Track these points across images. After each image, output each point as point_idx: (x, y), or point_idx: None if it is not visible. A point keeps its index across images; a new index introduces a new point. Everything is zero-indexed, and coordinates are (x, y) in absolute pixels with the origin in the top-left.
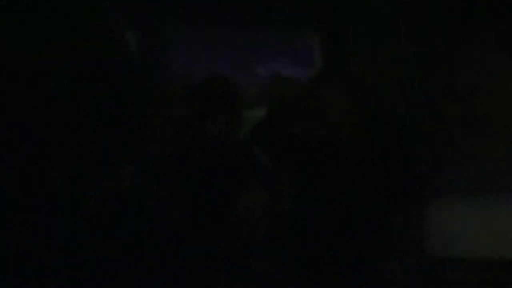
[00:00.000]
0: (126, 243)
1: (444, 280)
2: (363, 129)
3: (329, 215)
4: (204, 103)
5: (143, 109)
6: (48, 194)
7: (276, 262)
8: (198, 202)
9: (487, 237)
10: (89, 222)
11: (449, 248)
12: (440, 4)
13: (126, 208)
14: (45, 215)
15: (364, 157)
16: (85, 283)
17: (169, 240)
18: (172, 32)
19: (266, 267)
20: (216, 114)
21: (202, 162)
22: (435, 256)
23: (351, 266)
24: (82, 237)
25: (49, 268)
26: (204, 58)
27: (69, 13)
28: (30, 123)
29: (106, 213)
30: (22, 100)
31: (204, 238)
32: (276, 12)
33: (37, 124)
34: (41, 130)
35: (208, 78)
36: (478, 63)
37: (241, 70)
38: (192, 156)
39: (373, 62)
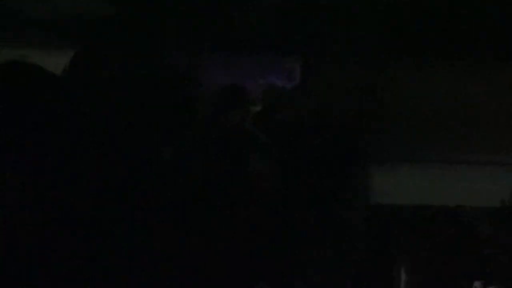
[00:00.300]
0: (169, 199)
1: (383, 220)
2: (322, 119)
3: (301, 172)
4: (226, 102)
5: (185, 107)
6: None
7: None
8: (220, 166)
9: (415, 190)
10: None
11: (388, 198)
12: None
13: (166, 174)
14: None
15: (325, 137)
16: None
17: (201, 194)
18: (205, 59)
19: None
20: (233, 109)
21: (224, 139)
22: (378, 203)
23: (316, 212)
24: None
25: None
26: (226, 75)
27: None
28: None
29: (152, 177)
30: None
31: (224, 192)
32: (273, 46)
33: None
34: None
35: (228, 87)
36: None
37: (249, 82)
38: (217, 136)
39: (329, 80)
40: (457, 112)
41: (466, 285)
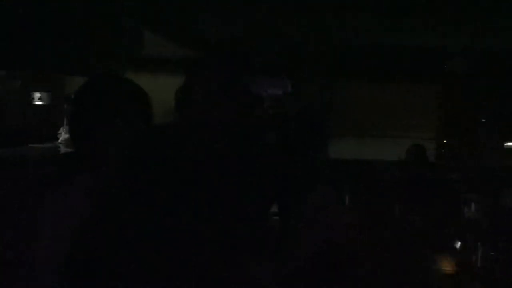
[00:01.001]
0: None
1: (336, 167)
2: (302, 113)
3: (290, 139)
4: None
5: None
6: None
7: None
8: (248, 133)
9: (355, 151)
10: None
11: (339, 155)
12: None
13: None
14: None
15: (304, 122)
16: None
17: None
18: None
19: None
20: (254, 108)
21: (250, 121)
22: (334, 158)
23: (300, 161)
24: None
25: None
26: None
27: None
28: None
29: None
30: None
31: (249, 145)
32: (275, 72)
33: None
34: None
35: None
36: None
37: (264, 91)
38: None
39: (306, 91)
40: (380, 111)
41: (385, 206)
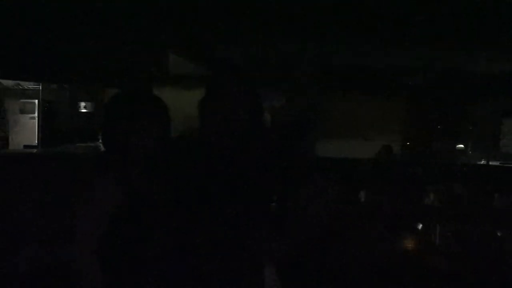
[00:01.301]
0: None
1: (320, 161)
2: (294, 118)
3: (285, 137)
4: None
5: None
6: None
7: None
8: (255, 133)
9: (334, 149)
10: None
11: (321, 152)
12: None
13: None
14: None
15: (296, 124)
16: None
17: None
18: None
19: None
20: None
21: (255, 125)
22: (318, 155)
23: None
24: None
25: None
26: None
27: None
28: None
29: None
30: None
31: (257, 139)
32: (275, 88)
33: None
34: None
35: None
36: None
37: (264, 103)
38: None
39: (298, 101)
40: (357, 118)
41: (361, 194)
